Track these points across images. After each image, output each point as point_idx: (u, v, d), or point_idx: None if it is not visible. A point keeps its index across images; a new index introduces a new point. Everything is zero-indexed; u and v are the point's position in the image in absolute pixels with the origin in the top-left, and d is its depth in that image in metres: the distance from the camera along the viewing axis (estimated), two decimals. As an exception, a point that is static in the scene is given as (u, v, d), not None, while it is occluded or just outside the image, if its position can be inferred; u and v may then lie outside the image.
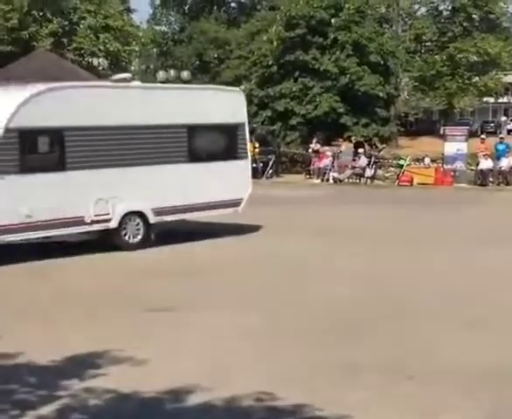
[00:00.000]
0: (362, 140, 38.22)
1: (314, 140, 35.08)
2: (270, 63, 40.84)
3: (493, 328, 9.07)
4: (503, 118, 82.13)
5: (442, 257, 13.85)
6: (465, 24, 61.06)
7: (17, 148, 13.32)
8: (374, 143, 40.16)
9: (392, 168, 33.30)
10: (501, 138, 34.82)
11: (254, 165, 26.01)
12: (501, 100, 71.69)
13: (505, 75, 63.54)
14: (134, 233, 14.98)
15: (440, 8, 63.50)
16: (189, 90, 18.02)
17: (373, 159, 33.06)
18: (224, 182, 16.09)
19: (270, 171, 32.62)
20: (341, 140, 36.34)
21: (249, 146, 17.67)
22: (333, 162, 32.46)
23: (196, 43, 57.90)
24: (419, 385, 6.99)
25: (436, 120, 68.50)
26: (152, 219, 15.11)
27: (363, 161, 32.37)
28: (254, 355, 7.93)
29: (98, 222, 14.36)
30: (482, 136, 34.66)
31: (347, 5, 40.93)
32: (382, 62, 41.25)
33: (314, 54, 40.49)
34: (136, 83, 17.93)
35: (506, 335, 8.80)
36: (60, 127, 13.89)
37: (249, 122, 18.09)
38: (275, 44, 40.87)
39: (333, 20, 40.98)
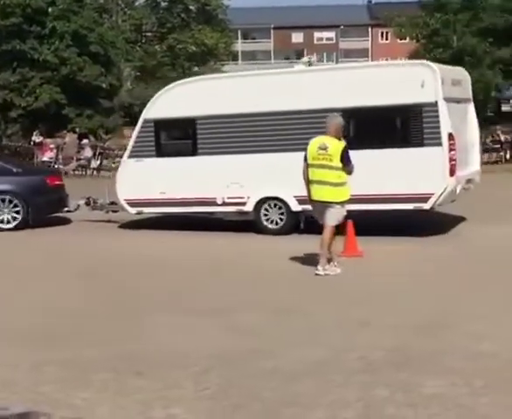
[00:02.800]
0: (86, 131, 37.68)
1: (35, 133, 34.03)
2: (-15, 53, 38.99)
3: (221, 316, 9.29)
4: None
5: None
6: (183, 15, 62.26)
7: (153, 136, 15.86)
8: (99, 134, 39.78)
9: (119, 159, 33.21)
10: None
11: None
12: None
13: (222, 65, 65.67)
14: (275, 219, 15.30)
15: (158, -1, 64.14)
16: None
17: (98, 150, 32.76)
18: (402, 173, 14.06)
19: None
20: (65, 131, 35.58)
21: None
22: (57, 155, 31.71)
23: None
24: (148, 379, 6.97)
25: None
26: (295, 207, 14.95)
27: (87, 152, 31.95)
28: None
29: (231, 204, 15.37)
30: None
31: (64, -6, 40.07)
32: (103, 52, 40.90)
33: (33, 44, 39.21)
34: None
35: (227, 321, 9.03)
36: (193, 117, 15.50)
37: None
38: (-11, 33, 39.08)
39: (50, 9, 39.91)
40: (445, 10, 46.02)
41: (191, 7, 62.49)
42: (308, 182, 11.61)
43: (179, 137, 16.29)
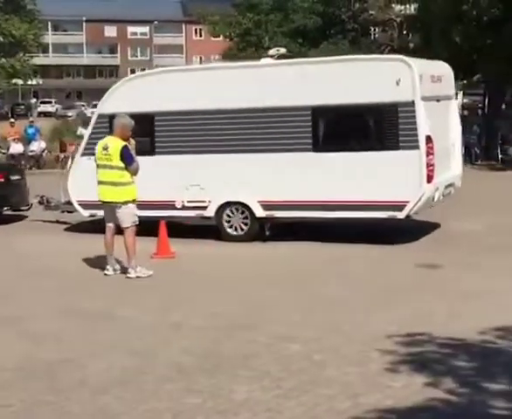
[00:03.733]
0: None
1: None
2: None
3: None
4: (33, 100, 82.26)
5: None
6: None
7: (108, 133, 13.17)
8: None
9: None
10: (31, 121, 34.78)
11: None
12: (30, 83, 71.59)
13: (32, 57, 63.54)
14: (238, 225, 14.01)
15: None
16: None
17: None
18: (375, 178, 12.94)
19: None
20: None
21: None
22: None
23: None
24: None
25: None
26: (259, 213, 13.70)
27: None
28: None
29: (191, 208, 14.07)
30: (12, 120, 34.24)
31: None
32: None
33: None
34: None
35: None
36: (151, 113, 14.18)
37: None
38: None
39: None
40: (257, 11, 46.90)
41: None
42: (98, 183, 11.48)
43: (136, 134, 14.59)
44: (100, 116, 14.76)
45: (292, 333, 8.18)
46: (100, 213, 13.57)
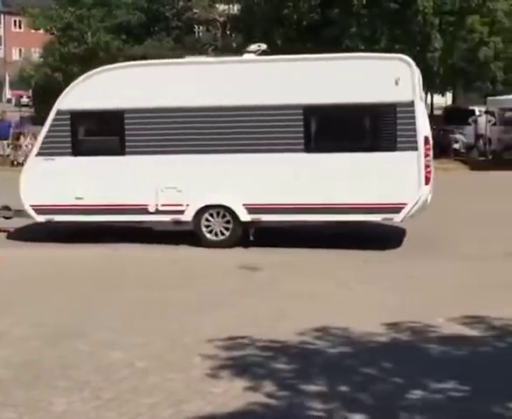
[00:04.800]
0: None
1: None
2: None
3: None
4: None
5: None
6: None
7: (69, 130, 13.25)
8: None
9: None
10: None
11: None
12: None
13: None
14: (219, 230, 13.16)
15: None
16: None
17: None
18: (371, 180, 12.45)
19: None
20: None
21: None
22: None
23: None
24: None
25: None
26: (244, 216, 12.80)
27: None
28: None
29: (165, 212, 13.02)
30: None
31: None
32: None
33: None
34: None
35: None
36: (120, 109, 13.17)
37: None
38: None
39: None
40: (79, 5, 45.92)
41: None
42: None
43: (102, 132, 13.69)
44: (60, 112, 13.51)
45: (116, 339, 8.05)
46: (58, 218, 13.35)
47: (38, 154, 13.64)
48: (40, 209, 13.58)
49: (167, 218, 13.25)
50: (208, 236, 13.26)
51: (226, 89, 12.99)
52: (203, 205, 13.16)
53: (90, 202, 13.30)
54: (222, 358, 7.36)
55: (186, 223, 13.28)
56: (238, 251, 12.94)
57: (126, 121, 13.23)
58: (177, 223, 13.30)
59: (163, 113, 13.11)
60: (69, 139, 13.46)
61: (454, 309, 9.03)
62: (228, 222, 13.17)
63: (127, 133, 13.27)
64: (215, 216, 13.22)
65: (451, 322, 8.56)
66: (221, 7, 46.24)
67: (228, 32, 36.96)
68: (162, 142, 13.13)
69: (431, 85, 46.64)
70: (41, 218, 13.72)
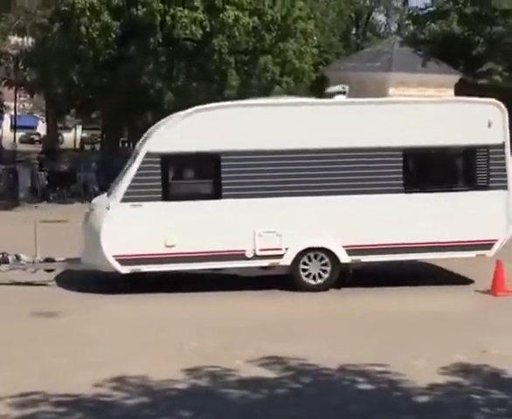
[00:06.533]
0: None
1: None
2: None
3: None
4: None
5: None
6: None
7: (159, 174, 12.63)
8: None
9: None
10: None
11: None
12: None
13: None
14: (318, 273, 12.99)
15: None
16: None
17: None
18: (465, 218, 13.05)
19: None
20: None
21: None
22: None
23: None
24: None
25: None
26: (344, 258, 12.82)
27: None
28: None
29: (264, 257, 12.69)
30: None
31: None
32: None
33: None
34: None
35: None
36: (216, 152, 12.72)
37: None
38: None
39: None
40: None
41: None
42: None
43: (195, 176, 13.29)
44: (149, 155, 12.69)
45: None
46: (145, 268, 12.62)
47: (124, 200, 12.70)
48: (125, 260, 12.60)
49: (265, 263, 12.99)
50: (305, 279, 13.05)
51: (326, 131, 13.06)
52: (303, 248, 13.00)
53: (183, 250, 12.66)
54: (13, 417, 6.98)
55: (283, 267, 13.00)
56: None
57: (222, 164, 12.82)
58: (266, 268, 13.08)
59: (262, 156, 12.86)
60: (159, 183, 12.76)
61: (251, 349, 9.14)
62: (325, 264, 13.08)
63: (223, 176, 12.84)
64: (312, 259, 13.08)
65: (249, 364, 8.63)
66: (14, 39, 44.83)
67: (21, 67, 35.79)
68: (260, 185, 12.87)
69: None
70: (125, 269, 12.69)
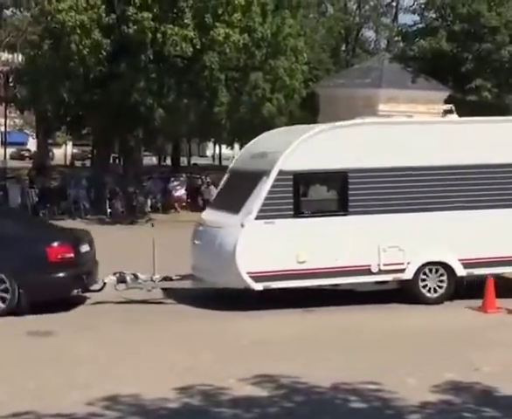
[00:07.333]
0: None
1: None
2: None
3: None
4: None
5: None
6: None
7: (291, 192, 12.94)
8: None
9: None
10: None
11: None
12: None
13: None
14: (435, 286, 13.52)
15: None
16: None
17: None
18: None
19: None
20: None
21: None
22: None
23: None
24: None
25: None
26: (460, 271, 13.43)
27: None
28: None
29: (387, 272, 13.14)
30: None
31: None
32: None
33: None
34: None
35: None
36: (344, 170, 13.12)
37: None
38: None
39: None
40: None
41: None
42: None
43: (324, 192, 13.60)
44: (282, 173, 12.95)
45: None
46: (276, 284, 12.74)
47: (258, 217, 12.87)
48: (259, 277, 12.77)
49: (389, 277, 13.38)
50: (424, 292, 13.50)
51: (447, 148, 13.56)
52: (424, 262, 13.46)
53: (314, 266, 12.91)
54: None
55: (406, 281, 13.38)
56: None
57: (349, 181, 13.23)
58: (382, 283, 13.43)
59: (387, 173, 13.33)
60: (291, 200, 13.07)
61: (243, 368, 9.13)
62: (442, 277, 13.56)
63: (350, 192, 13.24)
64: (431, 272, 13.55)
65: (241, 382, 8.63)
66: (4, 56, 44.85)
67: (12, 83, 35.79)
68: (384, 201, 13.31)
69: (218, 137, 48.21)
70: (259, 286, 12.82)
